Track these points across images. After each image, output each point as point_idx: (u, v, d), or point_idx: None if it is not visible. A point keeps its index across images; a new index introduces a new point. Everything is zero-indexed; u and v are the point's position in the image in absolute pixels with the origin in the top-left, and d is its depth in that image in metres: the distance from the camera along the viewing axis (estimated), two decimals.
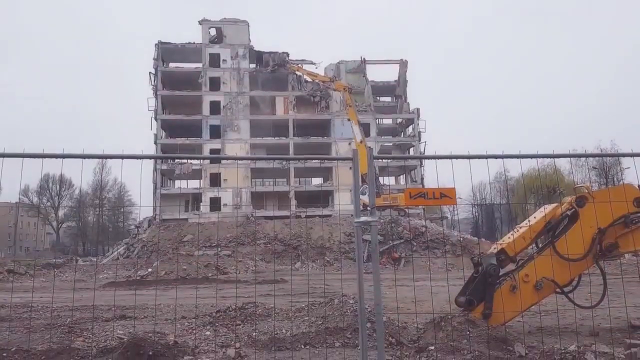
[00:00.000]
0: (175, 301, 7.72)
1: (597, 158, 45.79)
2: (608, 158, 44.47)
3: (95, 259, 40.84)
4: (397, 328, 6.56)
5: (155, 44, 48.30)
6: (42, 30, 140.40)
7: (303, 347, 6.12)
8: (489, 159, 4.06)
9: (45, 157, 3.84)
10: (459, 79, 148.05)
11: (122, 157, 3.96)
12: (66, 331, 7.06)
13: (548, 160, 4.62)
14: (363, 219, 3.91)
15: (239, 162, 42.65)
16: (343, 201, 40.29)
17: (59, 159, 3.92)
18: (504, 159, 4.19)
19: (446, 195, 4.23)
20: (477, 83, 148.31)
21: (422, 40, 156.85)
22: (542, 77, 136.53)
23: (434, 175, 4.71)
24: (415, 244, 31.60)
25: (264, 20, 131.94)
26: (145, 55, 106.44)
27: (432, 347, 5.64)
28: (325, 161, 47.52)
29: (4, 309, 10.16)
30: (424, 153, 47.61)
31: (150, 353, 5.36)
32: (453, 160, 4.28)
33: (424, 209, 41.61)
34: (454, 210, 65.92)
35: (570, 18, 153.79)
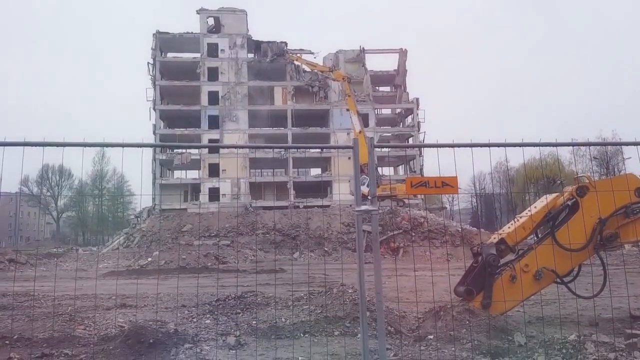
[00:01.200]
0: (177, 290, 7.76)
1: (598, 148, 45.81)
2: (609, 148, 44.44)
3: (95, 249, 41.00)
4: (396, 317, 6.60)
5: (153, 34, 47.87)
6: (38, 19, 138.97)
7: (302, 335, 6.16)
8: (491, 148, 4.05)
9: (46, 146, 3.83)
10: (459, 69, 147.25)
11: (123, 145, 3.95)
12: (67, 319, 7.10)
13: (548, 150, 4.64)
14: (364, 207, 3.90)
15: (238, 152, 42.55)
16: (342, 191, 40.31)
17: (59, 147, 3.91)
18: (506, 148, 4.18)
19: (448, 184, 4.21)
20: (477, 73, 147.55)
21: (422, 29, 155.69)
22: (543, 67, 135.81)
23: (433, 165, 4.70)
24: (414, 234, 31.66)
25: (262, 10, 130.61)
26: (144, 45, 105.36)
27: (432, 336, 5.68)
28: (324, 151, 47.42)
29: (5, 298, 10.19)
30: (423, 143, 47.49)
31: (151, 341, 5.39)
32: (453, 149, 4.26)
33: (422, 199, 41.69)
34: (452, 201, 66.23)
35: (574, 7, 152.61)
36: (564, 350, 4.85)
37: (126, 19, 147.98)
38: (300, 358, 5.12)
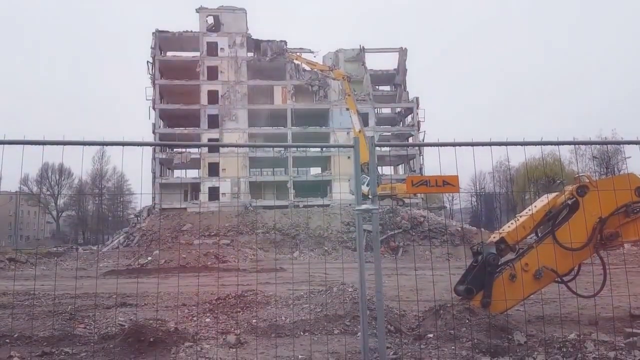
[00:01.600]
0: (178, 289, 7.77)
1: (598, 148, 45.86)
2: (609, 148, 44.51)
3: (95, 247, 41.01)
4: (395, 316, 6.61)
5: (153, 33, 47.80)
6: (35, 17, 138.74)
7: (302, 333, 6.17)
8: (492, 147, 4.05)
9: (46, 144, 3.83)
10: (460, 68, 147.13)
11: (123, 144, 3.95)
12: (67, 318, 7.10)
13: (548, 150, 4.64)
14: (364, 206, 3.90)
15: (238, 151, 42.51)
16: (342, 191, 40.29)
17: (59, 146, 3.91)
18: (507, 147, 4.17)
19: (449, 183, 4.20)
20: (478, 73, 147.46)
21: (423, 28, 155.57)
22: (544, 67, 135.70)
23: (433, 165, 4.71)
24: (413, 233, 31.65)
25: (261, 9, 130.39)
26: (143, 43, 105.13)
27: (431, 335, 5.69)
28: (324, 151, 47.36)
29: (5, 297, 10.19)
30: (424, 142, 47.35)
31: (151, 339, 5.40)
32: (453, 148, 4.25)
33: (422, 198, 41.67)
34: (452, 200, 66.22)
35: (574, 7, 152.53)
36: (564, 349, 4.86)
37: (125, 17, 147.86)
38: (300, 356, 5.13)
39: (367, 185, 4.70)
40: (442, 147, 4.34)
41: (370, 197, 4.01)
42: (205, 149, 44.99)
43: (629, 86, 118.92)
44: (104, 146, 4.36)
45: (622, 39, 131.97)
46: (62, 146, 3.92)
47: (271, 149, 47.43)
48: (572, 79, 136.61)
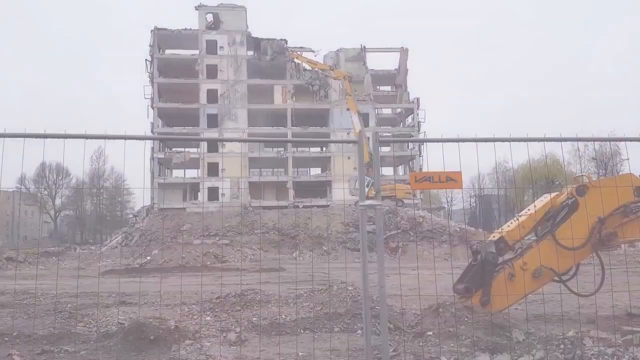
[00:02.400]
0: (181, 288, 7.79)
1: (596, 149, 46.01)
2: (608, 149, 44.66)
3: (93, 247, 41.00)
4: (395, 314, 6.63)
5: (151, 30, 47.61)
6: (31, 14, 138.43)
7: (303, 331, 6.19)
8: (495, 143, 4.05)
9: (47, 137, 3.80)
10: (461, 69, 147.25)
11: (125, 137, 3.94)
12: (67, 317, 7.10)
13: (548, 150, 4.63)
14: (368, 202, 3.90)
15: (240, 149, 42.32)
16: (341, 191, 40.28)
17: (59, 142, 3.90)
18: (511, 143, 4.17)
19: (452, 179, 4.19)
20: (479, 74, 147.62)
21: (424, 28, 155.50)
22: (545, 67, 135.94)
23: (432, 166, 4.69)
24: (412, 233, 31.70)
25: (261, 7, 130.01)
26: (142, 41, 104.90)
27: (431, 333, 5.71)
28: (324, 151, 47.31)
29: (4, 296, 10.18)
30: (423, 144, 47.43)
31: (152, 337, 5.40)
32: (458, 144, 4.23)
33: (421, 198, 41.67)
34: (452, 200, 66.26)
35: (573, 7, 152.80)
36: (562, 346, 4.88)
37: (124, 14, 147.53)
38: (301, 353, 5.14)
39: (368, 185, 4.72)
40: (445, 147, 4.33)
41: (374, 193, 4.01)
42: (205, 149, 44.89)
43: (629, 87, 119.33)
44: (104, 142, 4.34)
45: (621, 39, 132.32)
46: (63, 140, 3.90)
47: (271, 149, 47.46)
48: (573, 80, 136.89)
